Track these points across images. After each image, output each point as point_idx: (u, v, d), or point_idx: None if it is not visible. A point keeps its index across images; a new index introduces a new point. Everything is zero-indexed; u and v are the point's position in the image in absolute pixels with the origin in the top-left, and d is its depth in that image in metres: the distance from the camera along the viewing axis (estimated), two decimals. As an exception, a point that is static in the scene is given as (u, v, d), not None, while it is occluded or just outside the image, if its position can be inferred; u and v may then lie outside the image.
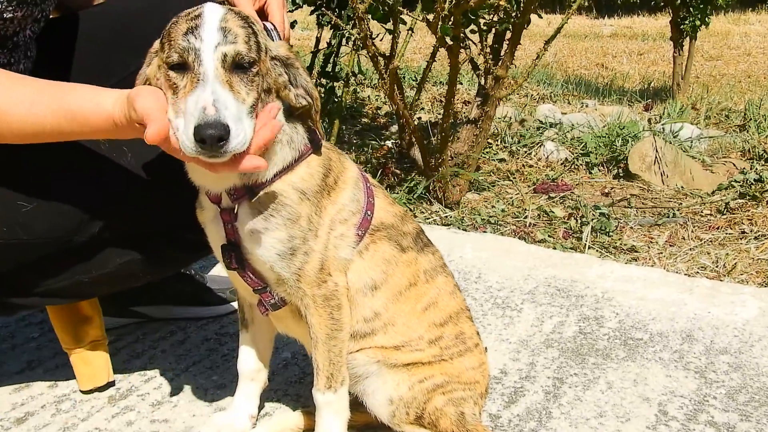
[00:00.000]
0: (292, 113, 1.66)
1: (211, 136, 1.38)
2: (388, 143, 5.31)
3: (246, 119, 1.47)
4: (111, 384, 2.18)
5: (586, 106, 6.81)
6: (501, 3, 3.32)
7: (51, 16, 2.02)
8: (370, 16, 3.69)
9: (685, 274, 3.16)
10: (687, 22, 8.70)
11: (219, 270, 2.98)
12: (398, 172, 4.63)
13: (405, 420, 1.77)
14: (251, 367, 1.95)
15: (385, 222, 1.78)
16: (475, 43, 3.97)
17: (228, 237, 1.67)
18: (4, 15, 1.73)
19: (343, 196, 1.72)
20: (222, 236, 1.69)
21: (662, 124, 5.56)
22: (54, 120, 1.61)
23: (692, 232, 3.76)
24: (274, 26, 1.75)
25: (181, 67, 1.48)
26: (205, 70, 1.44)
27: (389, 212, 1.81)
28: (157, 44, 1.58)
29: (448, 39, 3.50)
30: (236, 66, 1.48)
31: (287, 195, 1.63)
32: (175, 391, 2.17)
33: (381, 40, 4.13)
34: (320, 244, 1.66)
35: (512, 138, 5.29)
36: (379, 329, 1.78)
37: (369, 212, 1.74)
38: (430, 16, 3.50)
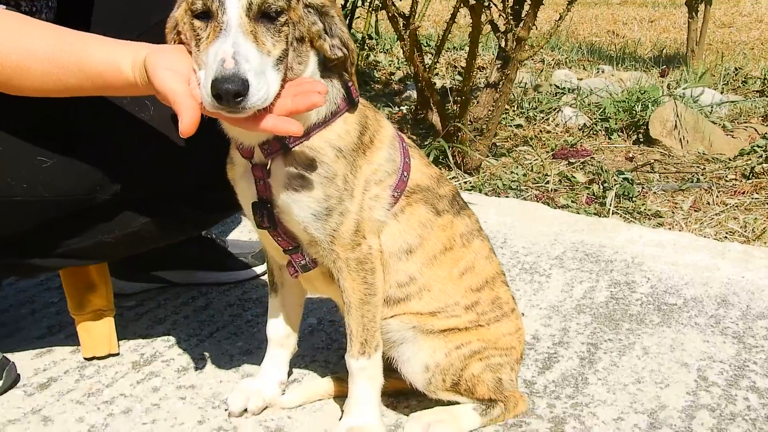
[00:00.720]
0: (326, 65, 1.58)
1: (228, 91, 1.30)
2: (403, 108, 5.23)
3: (271, 72, 1.38)
4: (114, 355, 2.12)
5: (602, 71, 6.70)
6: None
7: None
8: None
9: (715, 239, 3.09)
10: (703, -14, 8.56)
11: (240, 234, 2.93)
12: (414, 137, 4.56)
13: (441, 387, 1.72)
14: (280, 332, 1.89)
15: (421, 184, 1.71)
16: (495, 5, 3.87)
17: (260, 194, 1.60)
18: None
19: (379, 156, 1.64)
20: (253, 193, 1.61)
21: (683, 89, 5.45)
22: (74, 80, 1.54)
23: (717, 197, 3.69)
24: None
25: (206, 15, 1.40)
26: (228, 19, 1.36)
27: (425, 174, 1.73)
28: None
29: (470, -1, 3.41)
30: (263, 14, 1.39)
31: (324, 152, 1.55)
32: (200, 357, 2.12)
33: (400, 1, 4.04)
34: (356, 204, 1.59)
35: (529, 103, 5.21)
36: (414, 295, 1.72)
37: (405, 173, 1.67)
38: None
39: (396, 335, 1.74)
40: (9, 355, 2.01)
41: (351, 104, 1.59)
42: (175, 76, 1.41)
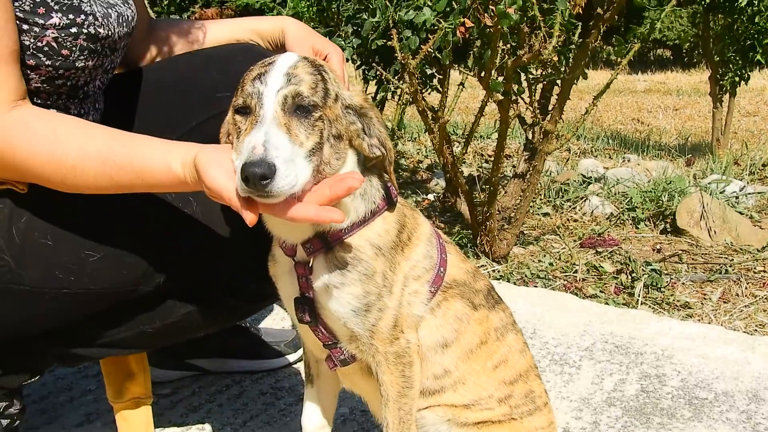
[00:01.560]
0: (366, 165, 1.66)
1: (254, 174, 1.36)
2: (430, 197, 5.32)
3: (302, 162, 1.45)
4: None
5: (628, 160, 6.78)
6: (553, 58, 3.33)
7: (116, 71, 2.07)
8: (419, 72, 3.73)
9: (744, 332, 3.09)
10: (726, 78, 8.68)
11: (273, 323, 2.97)
12: (442, 225, 4.63)
13: (475, 479, 1.74)
14: (315, 423, 1.92)
15: (457, 279, 1.76)
16: (523, 99, 3.98)
17: (302, 290, 1.66)
18: (76, 64, 1.76)
19: (417, 252, 1.70)
20: (296, 289, 1.67)
21: (709, 183, 5.50)
22: (126, 179, 1.63)
23: (746, 288, 3.70)
24: None
25: (246, 110, 1.49)
26: (264, 113, 1.45)
27: (461, 269, 1.79)
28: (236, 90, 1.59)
29: (498, 94, 3.51)
30: (297, 108, 1.47)
31: (363, 250, 1.61)
32: (235, 446, 2.16)
33: (429, 94, 4.16)
34: (394, 300, 1.64)
35: (556, 192, 5.28)
36: (449, 387, 1.75)
37: (442, 269, 1.73)
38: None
39: (431, 429, 1.76)
40: (48, 443, 2.06)
41: (390, 204, 1.66)
42: (227, 174, 1.49)
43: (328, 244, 1.60)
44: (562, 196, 5.21)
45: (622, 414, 2.31)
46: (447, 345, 1.73)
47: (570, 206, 5.11)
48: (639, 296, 3.52)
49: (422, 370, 1.72)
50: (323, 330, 1.69)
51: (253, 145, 1.40)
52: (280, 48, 2.18)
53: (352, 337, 1.67)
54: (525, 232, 4.54)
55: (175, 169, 1.59)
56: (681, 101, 15.98)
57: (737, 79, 8.67)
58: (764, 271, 3.96)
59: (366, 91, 4.95)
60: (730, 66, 8.60)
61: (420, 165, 6.36)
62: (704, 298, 3.60)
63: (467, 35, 3.41)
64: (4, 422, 1.96)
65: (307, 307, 1.66)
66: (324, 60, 2.03)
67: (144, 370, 2.14)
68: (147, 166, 1.62)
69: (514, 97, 3.86)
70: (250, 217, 1.44)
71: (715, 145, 8.82)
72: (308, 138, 1.48)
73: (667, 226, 4.71)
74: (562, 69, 3.84)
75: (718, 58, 8.66)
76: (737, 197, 5.22)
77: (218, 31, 2.25)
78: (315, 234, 1.61)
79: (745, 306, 3.47)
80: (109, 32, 1.82)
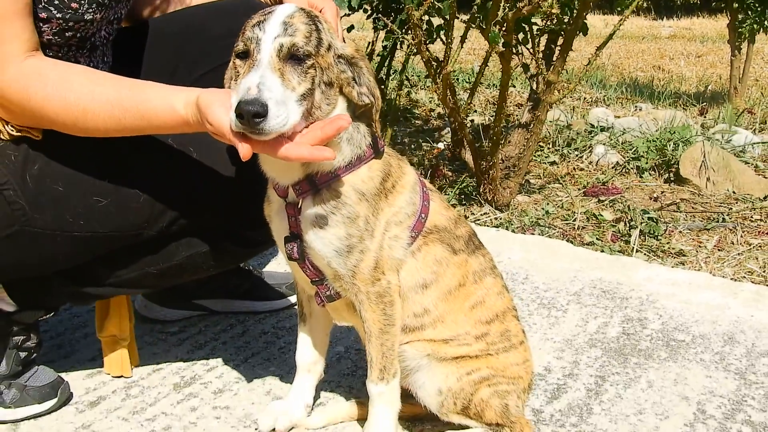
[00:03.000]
0: (355, 113, 1.78)
1: (248, 112, 1.51)
2: (440, 145, 5.41)
3: (293, 104, 1.59)
4: (126, 378, 2.31)
5: (640, 109, 6.81)
6: (553, 10, 3.39)
7: (122, 25, 2.19)
8: (424, 22, 3.80)
9: (731, 279, 3.21)
10: (745, 25, 8.62)
11: (276, 266, 3.12)
12: (449, 173, 4.73)
13: (453, 410, 1.88)
14: (308, 359, 2.08)
15: (438, 225, 1.89)
16: (528, 49, 4.05)
17: (291, 229, 1.81)
18: (85, 16, 1.89)
19: (400, 200, 1.83)
20: (286, 228, 1.82)
21: (714, 131, 5.55)
22: (133, 121, 1.77)
23: (741, 236, 3.79)
24: None
25: (245, 54, 1.64)
26: (260, 57, 1.59)
27: (443, 216, 1.91)
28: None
29: (499, 46, 3.59)
30: (291, 56, 1.61)
31: (348, 195, 1.75)
32: (236, 380, 2.31)
33: (433, 44, 4.24)
34: (375, 243, 1.78)
35: (563, 141, 5.35)
36: (429, 324, 1.89)
37: (423, 215, 1.85)
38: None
39: (412, 363, 1.91)
40: (63, 375, 2.21)
41: (376, 152, 1.79)
42: (228, 112, 1.61)
43: (315, 186, 1.74)
44: (570, 145, 5.29)
45: (602, 354, 2.44)
46: (427, 286, 1.87)
47: (577, 155, 5.19)
48: (635, 244, 3.63)
49: (403, 309, 1.86)
50: (310, 267, 1.83)
51: (249, 85, 1.54)
52: (279, 2, 2.29)
53: (336, 276, 1.81)
54: (531, 180, 4.65)
55: (178, 109, 1.73)
56: (705, 48, 15.78)
57: (756, 26, 8.61)
58: (761, 220, 4.05)
59: (376, 39, 5.02)
60: (749, 13, 8.53)
61: (432, 114, 6.44)
62: (699, 246, 3.70)
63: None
64: (22, 354, 2.13)
65: (296, 245, 1.81)
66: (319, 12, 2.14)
67: (120, 314, 2.29)
68: (151, 108, 1.76)
69: (518, 48, 3.93)
70: (244, 150, 1.58)
71: (732, 93, 8.81)
72: (300, 84, 1.61)
73: (671, 175, 4.79)
74: (566, 20, 3.91)
75: (736, 5, 8.58)
76: (743, 147, 5.27)
77: None
78: (305, 176, 1.74)
79: (738, 254, 3.57)
80: None
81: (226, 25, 2.18)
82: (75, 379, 2.29)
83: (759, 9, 8.44)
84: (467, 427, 1.93)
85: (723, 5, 9.69)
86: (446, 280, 1.89)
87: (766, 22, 8.58)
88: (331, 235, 1.76)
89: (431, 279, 1.87)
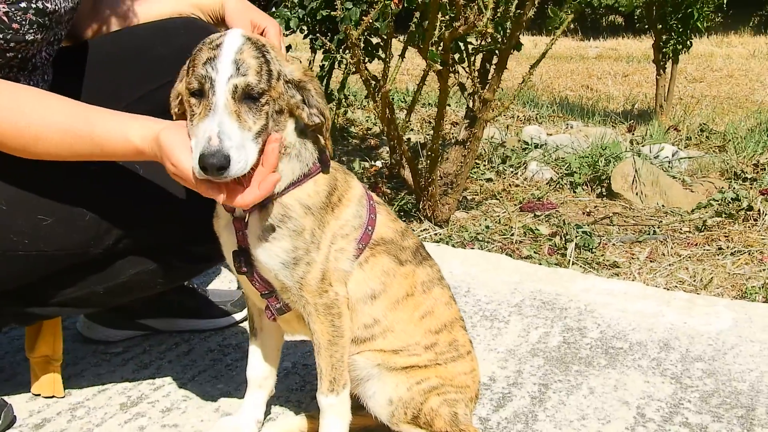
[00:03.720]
0: (304, 131, 1.82)
1: (212, 165, 1.57)
2: (378, 163, 5.47)
3: (250, 145, 1.64)
4: (59, 397, 2.28)
5: (571, 127, 6.99)
6: (488, 30, 3.48)
7: (63, 44, 2.18)
8: (362, 41, 3.86)
9: (664, 288, 3.32)
10: (669, 45, 8.91)
11: (220, 284, 3.12)
12: (388, 191, 4.79)
13: (403, 419, 1.91)
14: (259, 374, 2.08)
15: (385, 237, 1.92)
16: (464, 68, 4.13)
17: (239, 243, 1.83)
18: (26, 37, 1.88)
19: (347, 213, 1.86)
20: (234, 242, 1.84)
21: (642, 146, 5.74)
22: (85, 148, 1.79)
23: (671, 248, 3.92)
24: None
25: (200, 93, 1.66)
26: (216, 101, 1.62)
27: (390, 228, 1.95)
28: (186, 65, 1.74)
29: (437, 65, 3.66)
30: (246, 96, 1.64)
31: (293, 209, 1.78)
32: (183, 398, 2.30)
33: (371, 63, 4.30)
34: (322, 255, 1.81)
35: (498, 158, 5.46)
36: (379, 335, 1.92)
37: (370, 227, 1.89)
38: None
39: (363, 372, 1.93)
40: (6, 398, 2.18)
41: (324, 167, 1.83)
42: (190, 155, 1.66)
43: (262, 201, 1.76)
44: (505, 162, 5.39)
45: (544, 363, 2.50)
46: (375, 296, 1.90)
47: (512, 172, 5.30)
48: (571, 257, 3.72)
49: (353, 321, 1.89)
50: (259, 280, 1.86)
51: (209, 135, 1.58)
52: (221, 21, 2.32)
53: (284, 288, 1.84)
54: (468, 197, 4.73)
55: (132, 139, 1.76)
56: (630, 68, 16.22)
57: (679, 46, 8.91)
58: (689, 232, 4.19)
59: (314, 60, 5.07)
60: (672, 33, 8.82)
61: (369, 132, 6.50)
62: (632, 258, 3.82)
63: (401, 6, 3.55)
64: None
65: (243, 258, 1.83)
66: (262, 34, 2.18)
67: (53, 334, 2.26)
68: (105, 136, 1.78)
69: (454, 67, 4.01)
70: (221, 199, 1.67)
71: (657, 111, 9.08)
72: (255, 123, 1.66)
73: (603, 190, 4.93)
74: (499, 39, 4.00)
75: (660, 26, 8.87)
76: (670, 162, 5.45)
77: (161, 5, 2.36)
78: None
79: (669, 264, 3.70)
80: (56, 7, 1.93)
81: (168, 44, 2.20)
82: (18, 402, 2.25)
83: (681, 30, 8.74)
84: (417, 437, 1.97)
85: (647, 26, 9.99)
86: (394, 290, 1.93)
87: (688, 42, 8.89)
88: (277, 248, 1.78)
89: (380, 290, 1.91)
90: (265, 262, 1.80)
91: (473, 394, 2.02)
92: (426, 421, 1.92)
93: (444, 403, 1.92)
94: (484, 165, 5.39)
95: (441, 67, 3.70)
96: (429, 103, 7.53)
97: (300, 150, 1.80)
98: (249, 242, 1.81)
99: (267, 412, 2.16)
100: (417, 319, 1.95)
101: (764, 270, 3.60)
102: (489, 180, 5.14)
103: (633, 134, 6.80)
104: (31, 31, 1.88)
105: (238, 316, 2.78)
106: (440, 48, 3.66)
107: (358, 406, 1.97)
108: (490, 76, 4.16)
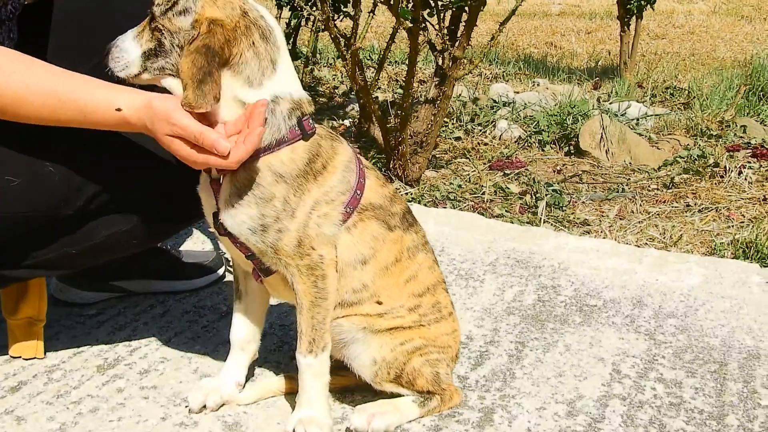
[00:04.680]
0: (276, 98, 1.80)
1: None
2: (346, 122, 5.43)
3: (134, 54, 1.79)
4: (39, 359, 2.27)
5: (538, 84, 6.99)
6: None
7: (26, 2, 2.12)
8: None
9: (635, 245, 3.36)
10: (633, 1, 8.91)
11: (193, 245, 3.09)
12: (357, 150, 4.75)
13: (386, 379, 1.92)
14: (242, 337, 2.07)
15: (373, 202, 1.91)
16: (433, 25, 4.10)
17: (218, 205, 1.82)
18: None
19: (332, 179, 1.84)
20: (213, 205, 1.83)
21: (610, 103, 5.76)
22: (69, 114, 1.76)
23: (640, 206, 3.97)
24: None
25: None
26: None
27: (378, 193, 1.94)
28: None
29: (407, 22, 3.63)
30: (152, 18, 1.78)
31: (262, 176, 1.77)
32: (161, 360, 2.29)
33: (341, 21, 4.25)
34: (296, 223, 1.79)
35: (467, 117, 5.45)
36: (366, 300, 1.92)
37: (359, 191, 1.88)
38: None
39: (348, 336, 1.94)
40: (-20, 362, 2.16)
41: (304, 135, 1.81)
42: (195, 120, 1.69)
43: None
44: (473, 120, 5.39)
45: (520, 321, 2.53)
46: (365, 262, 1.90)
47: (481, 130, 5.30)
48: (542, 215, 3.75)
49: (342, 285, 1.89)
50: (240, 242, 1.84)
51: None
52: None
53: (260, 252, 1.83)
54: (438, 156, 4.72)
55: (119, 107, 1.74)
56: (594, 24, 16.18)
57: (644, 2, 8.90)
58: (657, 189, 4.24)
59: (280, 17, 4.99)
60: (637, -11, 8.80)
61: (336, 91, 6.45)
62: (602, 216, 3.85)
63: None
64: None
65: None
66: None
67: (39, 294, 2.24)
68: (91, 104, 1.76)
69: (423, 24, 3.98)
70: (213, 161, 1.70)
71: (622, 68, 9.10)
72: (146, 43, 1.78)
73: (571, 148, 4.95)
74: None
75: (624, -19, 8.85)
76: (637, 120, 5.48)
77: None
78: None
79: (639, 222, 3.74)
80: None
81: (134, 2, 2.14)
82: (-7, 366, 2.23)
83: (647, -15, 8.72)
84: (398, 395, 1.98)
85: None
86: (383, 255, 1.92)
87: (652, -2, 8.88)
88: (242, 214, 1.78)
89: (369, 255, 1.90)
90: (230, 227, 1.81)
91: (454, 354, 2.04)
92: (408, 381, 1.93)
93: (426, 363, 1.93)
94: (453, 123, 5.37)
95: (411, 24, 3.67)
96: (396, 61, 7.48)
97: (268, 117, 1.78)
98: (219, 206, 1.81)
99: (248, 375, 2.15)
100: (402, 284, 1.96)
101: (732, 226, 3.66)
102: (458, 138, 5.14)
103: (599, 91, 6.82)
104: None
105: (213, 277, 2.77)
106: (411, 4, 3.62)
107: (339, 366, 1.98)
108: (459, 34, 4.13)
